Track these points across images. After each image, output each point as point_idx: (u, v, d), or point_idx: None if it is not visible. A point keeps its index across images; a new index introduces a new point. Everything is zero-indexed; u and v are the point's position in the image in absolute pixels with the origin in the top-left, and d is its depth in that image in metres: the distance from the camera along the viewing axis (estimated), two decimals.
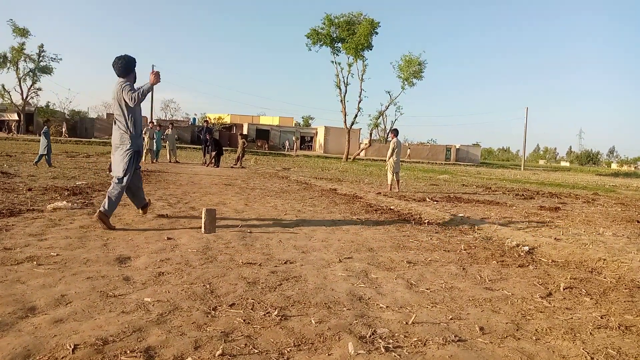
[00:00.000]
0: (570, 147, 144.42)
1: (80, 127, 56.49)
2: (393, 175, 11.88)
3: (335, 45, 40.79)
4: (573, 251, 4.89)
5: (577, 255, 4.80)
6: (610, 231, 6.59)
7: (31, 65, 50.70)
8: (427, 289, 3.52)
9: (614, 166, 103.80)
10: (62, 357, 2.12)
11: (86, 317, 2.61)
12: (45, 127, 13.86)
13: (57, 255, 3.88)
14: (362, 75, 41.63)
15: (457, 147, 66.43)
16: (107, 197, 5.19)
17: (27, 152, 20.49)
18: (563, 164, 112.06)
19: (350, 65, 41.32)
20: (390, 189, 11.83)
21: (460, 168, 40.74)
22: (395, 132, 12.08)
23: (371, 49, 40.15)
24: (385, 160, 11.46)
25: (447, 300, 3.29)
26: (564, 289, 3.69)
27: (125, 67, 5.32)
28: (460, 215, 7.42)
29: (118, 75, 5.33)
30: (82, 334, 2.37)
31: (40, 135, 13.63)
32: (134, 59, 5.43)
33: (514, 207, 9.28)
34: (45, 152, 13.18)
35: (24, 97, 51.06)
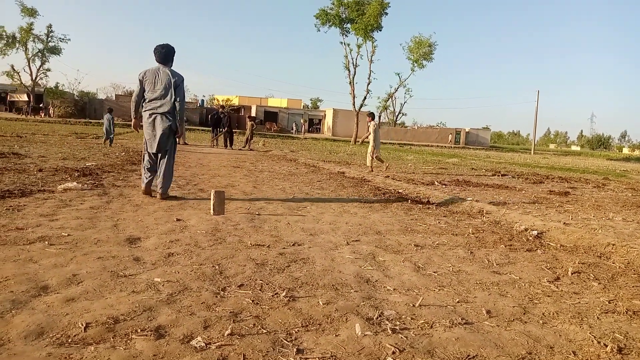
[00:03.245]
0: (582, 131, 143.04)
1: (89, 108, 56.68)
2: (373, 157, 12.17)
3: (345, 26, 40.39)
4: (582, 236, 4.87)
5: (586, 240, 4.78)
6: (620, 216, 6.55)
7: (40, 46, 50.84)
8: (434, 272, 3.54)
9: (625, 151, 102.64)
10: (75, 335, 2.16)
11: (97, 297, 2.65)
12: (109, 114, 16.15)
13: (68, 235, 3.93)
14: (372, 57, 41.31)
15: (467, 130, 66.00)
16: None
17: (37, 132, 20.62)
18: (574, 148, 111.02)
19: (359, 47, 40.99)
20: (372, 170, 12.10)
21: (470, 152, 40.49)
22: (372, 116, 12.38)
23: (381, 30, 39.77)
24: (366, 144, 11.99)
25: (454, 284, 3.30)
26: (572, 274, 3.69)
27: (166, 54, 5.97)
28: (468, 198, 7.40)
29: (158, 62, 5.95)
30: (94, 312, 2.41)
31: (105, 119, 16.15)
32: (174, 49, 6.09)
33: (523, 191, 9.24)
34: (112, 133, 15.97)
35: (33, 78, 51.20)
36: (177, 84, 5.90)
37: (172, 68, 6.03)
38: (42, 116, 47.78)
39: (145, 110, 5.99)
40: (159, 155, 6.06)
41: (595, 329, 2.61)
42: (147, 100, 5.96)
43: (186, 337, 2.21)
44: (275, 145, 25.99)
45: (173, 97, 5.89)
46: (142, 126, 6.09)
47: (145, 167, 6.12)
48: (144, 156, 6.17)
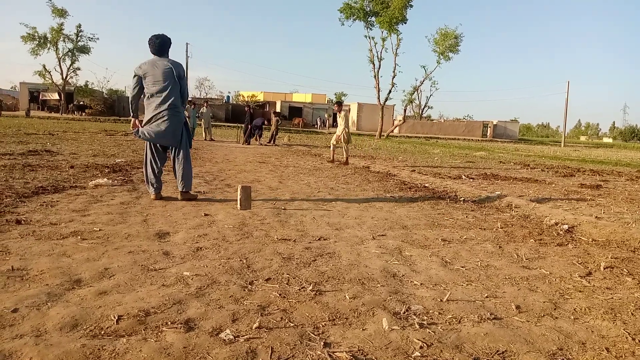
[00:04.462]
0: (614, 122, 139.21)
1: (118, 105, 57.79)
2: (347, 144, 12.12)
3: (369, 19, 40.00)
4: (615, 230, 4.74)
5: (619, 234, 4.65)
6: None
7: (70, 45, 51.86)
8: (462, 267, 3.50)
9: None
10: (107, 327, 2.21)
11: (129, 290, 2.71)
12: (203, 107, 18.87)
13: (99, 230, 4.03)
14: (396, 50, 40.83)
15: (495, 123, 64.90)
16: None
17: (69, 130, 21.14)
18: (605, 140, 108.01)
19: (384, 40, 40.53)
20: (334, 160, 12.32)
21: (498, 145, 39.84)
22: (339, 105, 12.45)
23: (406, 23, 39.19)
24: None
25: (483, 279, 3.26)
26: (604, 269, 3.60)
27: (161, 45, 5.55)
28: (497, 192, 7.28)
29: (153, 53, 5.56)
30: (125, 305, 2.47)
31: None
32: (170, 39, 5.65)
33: (553, 185, 9.04)
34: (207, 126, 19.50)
35: (64, 77, 52.41)
36: (180, 75, 5.56)
37: (170, 58, 5.61)
38: (84, 115, 48.93)
39: (148, 107, 5.58)
40: (173, 153, 5.66)
41: (630, 325, 2.55)
42: (148, 96, 5.55)
43: (215, 330, 2.24)
44: (299, 140, 26.06)
45: (178, 89, 5.55)
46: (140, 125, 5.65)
47: (150, 176, 5.61)
48: (145, 162, 5.65)
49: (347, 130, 12.01)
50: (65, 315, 2.31)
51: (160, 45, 5.55)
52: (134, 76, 5.51)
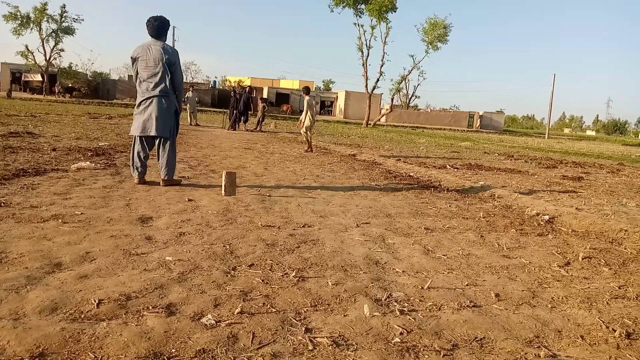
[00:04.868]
0: (597, 115, 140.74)
1: (102, 88, 56.95)
2: (309, 132, 11.76)
3: (358, 6, 39.82)
4: (594, 221, 4.83)
5: (598, 225, 4.74)
6: (633, 202, 6.48)
7: (53, 26, 50.73)
8: (443, 255, 3.54)
9: None
10: (88, 311, 2.20)
11: (110, 274, 2.69)
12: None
13: (81, 214, 3.99)
14: (385, 38, 40.80)
15: (481, 114, 65.29)
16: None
17: (51, 112, 20.79)
18: (589, 133, 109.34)
19: (373, 28, 40.44)
20: (311, 148, 11.81)
21: (483, 135, 40.13)
22: (306, 90, 11.96)
23: (395, 11, 39.17)
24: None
25: (464, 267, 3.30)
26: (582, 259, 3.67)
27: (159, 28, 5.43)
28: (480, 183, 7.35)
29: (151, 36, 5.43)
30: (106, 289, 2.46)
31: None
32: (169, 22, 5.53)
33: (536, 176, 9.16)
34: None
35: (47, 58, 51.37)
36: (171, 61, 5.39)
37: (165, 42, 5.48)
38: (72, 98, 47.92)
39: (139, 91, 5.51)
40: (159, 140, 5.55)
41: (605, 314, 2.60)
42: (140, 81, 5.46)
43: (197, 315, 2.24)
44: (286, 127, 25.96)
45: (169, 75, 5.39)
46: None
47: (136, 160, 5.53)
48: (133, 146, 5.55)
49: (310, 117, 11.60)
50: (45, 299, 2.29)
51: (158, 27, 5.41)
52: (131, 59, 5.47)
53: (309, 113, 11.63)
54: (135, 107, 5.58)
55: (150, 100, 5.43)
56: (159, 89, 5.39)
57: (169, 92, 5.46)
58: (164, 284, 2.59)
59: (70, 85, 53.84)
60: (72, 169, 6.12)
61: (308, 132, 11.74)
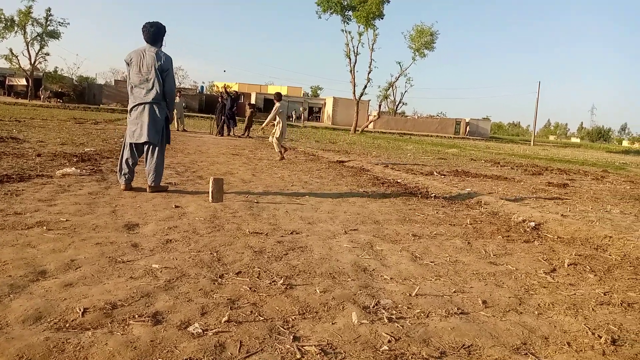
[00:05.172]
0: (582, 123, 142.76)
1: (89, 93, 56.46)
2: (279, 141, 11.04)
3: (346, 13, 40.06)
4: (579, 228, 4.88)
5: (583, 232, 4.79)
6: (617, 209, 6.57)
7: (39, 30, 50.33)
8: (431, 262, 3.55)
9: (625, 143, 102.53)
10: (72, 320, 2.17)
11: (95, 282, 2.66)
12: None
13: (66, 220, 3.93)
14: (373, 45, 41.07)
15: (467, 120, 65.87)
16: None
17: (36, 117, 20.54)
18: (573, 140, 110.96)
19: (360, 35, 40.69)
20: (282, 156, 11.02)
21: (470, 142, 40.46)
22: (278, 97, 11.22)
23: (382, 18, 39.44)
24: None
25: (451, 274, 3.31)
26: (568, 265, 3.70)
27: (155, 34, 5.40)
28: (467, 189, 7.40)
29: (146, 41, 5.40)
30: (92, 298, 2.42)
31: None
32: (165, 28, 5.50)
33: (522, 183, 9.25)
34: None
35: (32, 62, 50.83)
36: (164, 68, 5.34)
37: (160, 49, 5.43)
38: (61, 102, 47.33)
39: (130, 97, 5.46)
40: (148, 147, 5.48)
41: (590, 320, 2.63)
42: (132, 86, 5.42)
43: (183, 324, 2.22)
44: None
45: (161, 83, 5.35)
46: None
47: (124, 166, 5.47)
48: (123, 152, 5.50)
49: (280, 126, 10.97)
50: (29, 308, 2.25)
51: (154, 33, 5.38)
52: (125, 62, 5.46)
53: (280, 122, 11.00)
54: (128, 112, 5.56)
55: (142, 106, 5.40)
56: (150, 95, 5.36)
57: (160, 99, 5.43)
58: (150, 292, 2.56)
59: (60, 90, 53.31)
60: (57, 175, 6.04)
61: (278, 141, 11.06)
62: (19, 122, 16.54)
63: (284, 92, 66.91)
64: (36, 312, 2.22)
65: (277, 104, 10.97)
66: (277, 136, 11.01)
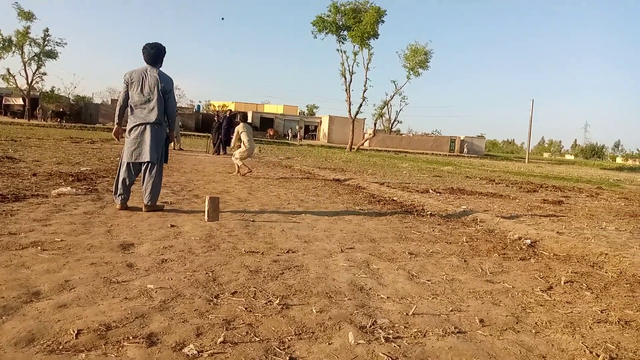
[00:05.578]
0: (576, 140, 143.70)
1: (85, 112, 56.63)
2: (242, 158, 11.04)
3: (341, 33, 40.60)
4: (575, 245, 4.89)
5: (579, 249, 4.80)
6: (613, 225, 6.58)
7: (36, 50, 50.51)
8: (428, 281, 3.54)
9: (618, 160, 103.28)
10: (66, 342, 2.14)
11: (90, 303, 2.64)
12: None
13: (61, 240, 3.91)
14: (368, 64, 41.51)
15: (462, 138, 66.24)
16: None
17: (32, 137, 20.53)
18: (567, 157, 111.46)
19: (355, 54, 41.17)
20: (239, 172, 11.09)
21: (464, 160, 40.63)
22: (243, 117, 11.63)
23: (377, 38, 39.97)
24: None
25: (448, 292, 3.30)
26: (564, 283, 3.70)
27: (155, 55, 5.48)
28: (463, 207, 7.42)
29: (147, 62, 5.48)
30: (86, 319, 2.40)
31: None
32: (165, 49, 5.58)
33: (517, 200, 9.27)
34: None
35: (29, 82, 50.97)
36: (166, 90, 5.46)
37: (160, 70, 5.54)
38: (62, 122, 47.29)
39: (130, 117, 5.50)
40: (147, 166, 5.49)
41: (588, 338, 2.62)
42: (132, 106, 5.45)
43: (178, 345, 2.20)
44: (270, 151, 26.00)
45: (163, 104, 5.45)
46: (123, 135, 5.63)
47: (120, 186, 5.46)
48: (119, 172, 5.50)
49: (245, 145, 10.99)
50: (22, 330, 2.22)
51: (154, 55, 5.47)
52: (124, 82, 5.47)
53: (247, 141, 10.96)
54: (127, 132, 5.56)
55: (143, 127, 5.44)
56: (152, 115, 5.42)
57: (162, 119, 5.51)
58: (145, 313, 2.54)
59: (61, 109, 53.41)
60: (53, 195, 6.02)
61: (241, 158, 11.04)
62: (15, 141, 16.52)
63: (280, 111, 67.51)
64: (29, 334, 2.19)
65: (240, 124, 11.21)
66: (242, 154, 11.04)
